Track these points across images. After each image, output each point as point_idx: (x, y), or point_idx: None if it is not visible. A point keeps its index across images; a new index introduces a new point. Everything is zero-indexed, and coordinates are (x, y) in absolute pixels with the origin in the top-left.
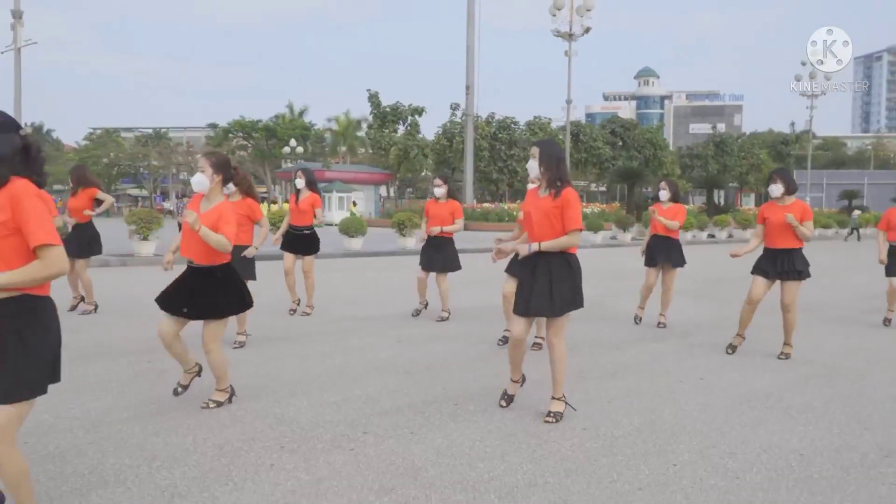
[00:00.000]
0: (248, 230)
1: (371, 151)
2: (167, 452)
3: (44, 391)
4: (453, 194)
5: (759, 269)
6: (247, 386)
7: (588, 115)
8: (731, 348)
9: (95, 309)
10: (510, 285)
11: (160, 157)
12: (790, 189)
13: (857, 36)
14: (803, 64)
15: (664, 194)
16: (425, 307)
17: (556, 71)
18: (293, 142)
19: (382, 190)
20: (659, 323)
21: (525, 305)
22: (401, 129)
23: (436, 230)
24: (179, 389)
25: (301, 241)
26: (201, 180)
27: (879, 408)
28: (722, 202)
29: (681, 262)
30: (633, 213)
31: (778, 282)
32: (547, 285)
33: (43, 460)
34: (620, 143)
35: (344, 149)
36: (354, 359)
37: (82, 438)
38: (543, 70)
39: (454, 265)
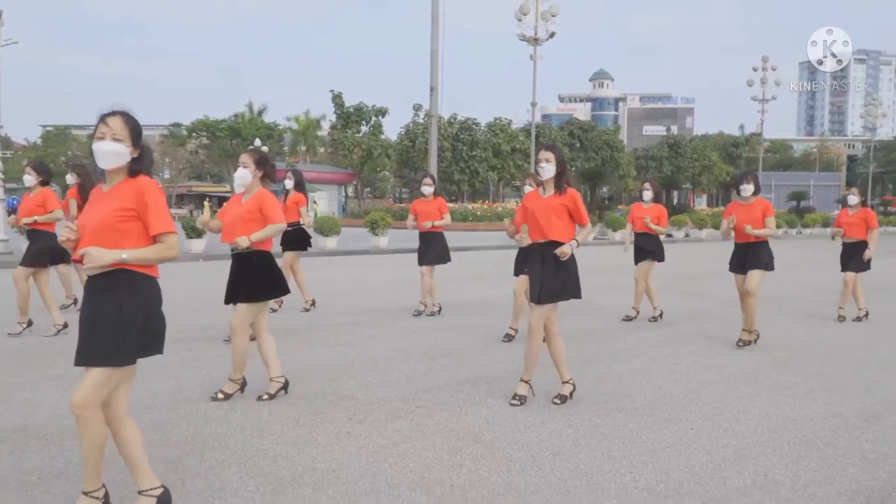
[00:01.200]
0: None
1: (331, 150)
2: (251, 424)
3: (130, 363)
4: (438, 192)
5: (735, 268)
6: (290, 371)
7: (544, 117)
8: (745, 343)
9: (74, 303)
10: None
11: None
12: (758, 190)
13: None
14: (755, 70)
15: (648, 194)
16: (425, 308)
17: (515, 72)
18: (257, 141)
19: (344, 190)
20: (628, 317)
21: (540, 294)
22: (364, 130)
23: (427, 224)
24: (220, 396)
25: (285, 237)
26: (244, 175)
27: (852, 383)
28: (676, 202)
29: (662, 257)
30: (594, 213)
31: (743, 276)
32: (558, 273)
33: (146, 430)
34: (578, 145)
35: (304, 148)
36: (378, 347)
37: (169, 414)
38: (503, 71)
39: (445, 258)
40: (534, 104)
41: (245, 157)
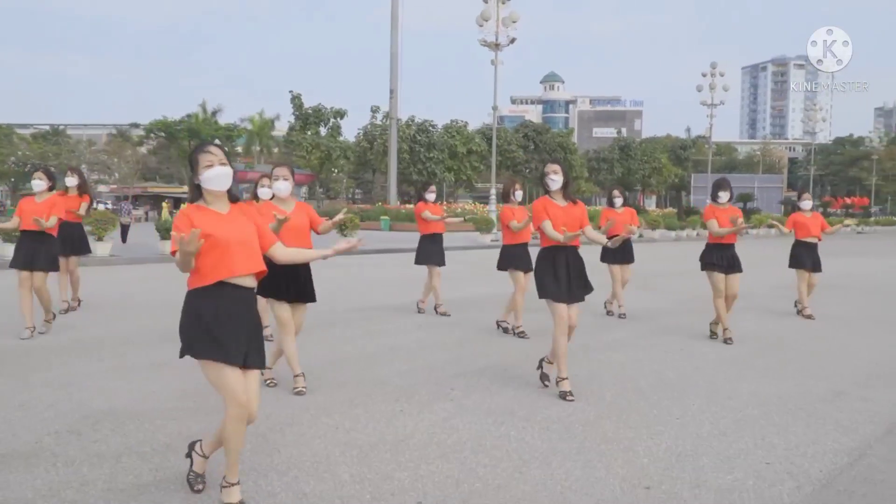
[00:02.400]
0: None
1: (285, 151)
2: (313, 406)
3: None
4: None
5: (714, 266)
6: (321, 362)
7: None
8: (713, 335)
9: (79, 304)
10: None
11: (71, 155)
12: (732, 196)
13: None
14: (704, 75)
15: (619, 201)
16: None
17: (470, 73)
18: (217, 142)
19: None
20: (611, 312)
21: (569, 294)
22: (322, 131)
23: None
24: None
25: None
26: (286, 187)
27: (818, 367)
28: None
29: (633, 258)
30: None
31: (723, 275)
32: (579, 276)
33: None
34: (533, 147)
35: (258, 148)
36: (393, 340)
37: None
38: (458, 72)
39: (442, 260)
40: (495, 108)
41: (284, 171)
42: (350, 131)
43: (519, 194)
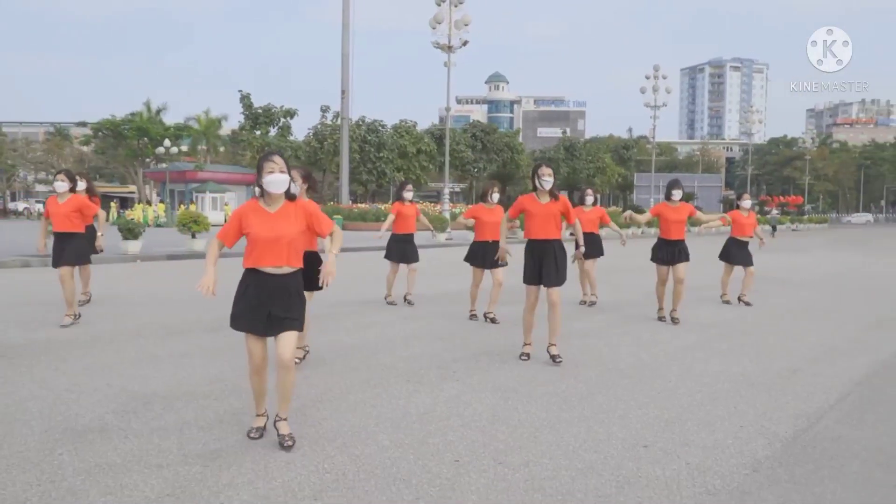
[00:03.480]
0: None
1: (232, 151)
2: (338, 385)
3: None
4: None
5: (660, 259)
6: (327, 350)
7: (442, 118)
8: (662, 318)
9: (89, 300)
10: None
11: (13, 154)
12: (684, 194)
13: (682, 49)
14: (647, 78)
15: (590, 199)
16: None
17: (418, 74)
18: (167, 142)
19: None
20: (589, 302)
21: (539, 279)
22: (272, 131)
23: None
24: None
25: None
26: (285, 181)
27: (774, 347)
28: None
29: (602, 252)
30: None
31: (666, 267)
32: (554, 265)
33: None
34: (480, 147)
35: (204, 147)
36: (389, 331)
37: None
38: (405, 73)
39: (417, 256)
40: (448, 109)
41: (293, 173)
42: (300, 131)
43: (496, 196)
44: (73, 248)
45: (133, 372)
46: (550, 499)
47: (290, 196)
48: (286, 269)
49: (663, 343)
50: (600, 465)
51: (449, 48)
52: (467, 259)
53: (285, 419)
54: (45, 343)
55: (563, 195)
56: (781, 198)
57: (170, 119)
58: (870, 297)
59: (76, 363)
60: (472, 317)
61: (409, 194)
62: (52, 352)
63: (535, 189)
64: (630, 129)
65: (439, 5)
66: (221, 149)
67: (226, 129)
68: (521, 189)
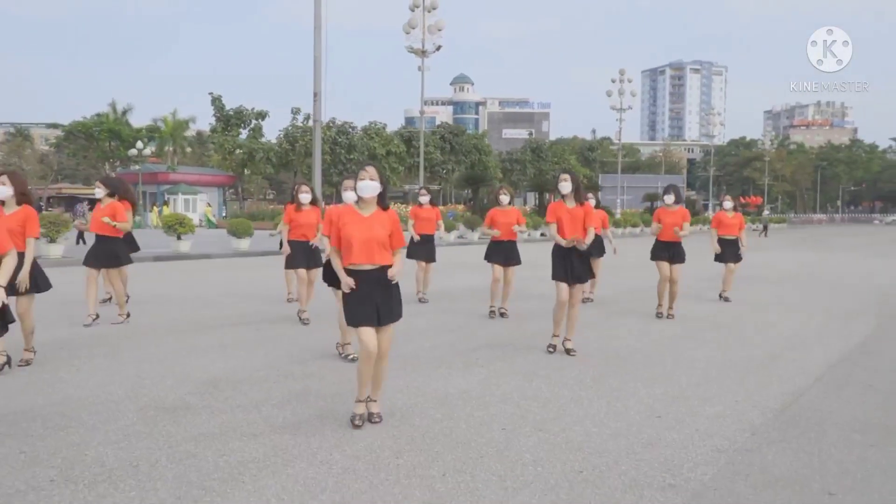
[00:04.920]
0: None
1: (199, 153)
2: None
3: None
4: (433, 201)
5: (660, 257)
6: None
7: (408, 120)
8: (660, 315)
9: (110, 299)
10: (498, 271)
11: None
12: (679, 200)
13: (643, 51)
14: (613, 81)
15: (505, 199)
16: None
17: (386, 76)
18: (140, 144)
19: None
20: (585, 298)
21: (572, 275)
22: (244, 133)
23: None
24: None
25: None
26: (375, 187)
27: (752, 338)
28: (542, 204)
29: (603, 252)
30: (478, 214)
31: (667, 264)
32: (581, 263)
33: (303, 378)
34: (449, 148)
35: (171, 149)
36: (403, 325)
37: (307, 367)
38: (374, 75)
39: (435, 256)
40: (422, 113)
41: (372, 171)
42: (271, 132)
43: (504, 198)
44: (106, 251)
45: (188, 361)
46: (591, 456)
47: (383, 204)
48: (376, 266)
49: (654, 335)
50: (625, 430)
51: (423, 53)
52: (487, 258)
53: (376, 400)
54: (97, 337)
55: (588, 201)
56: (742, 198)
57: (136, 120)
58: (835, 292)
59: (130, 355)
60: (492, 313)
61: (424, 199)
62: (106, 345)
63: (562, 196)
64: (594, 131)
65: (413, 11)
66: (188, 150)
67: (191, 131)
68: (489, 192)
